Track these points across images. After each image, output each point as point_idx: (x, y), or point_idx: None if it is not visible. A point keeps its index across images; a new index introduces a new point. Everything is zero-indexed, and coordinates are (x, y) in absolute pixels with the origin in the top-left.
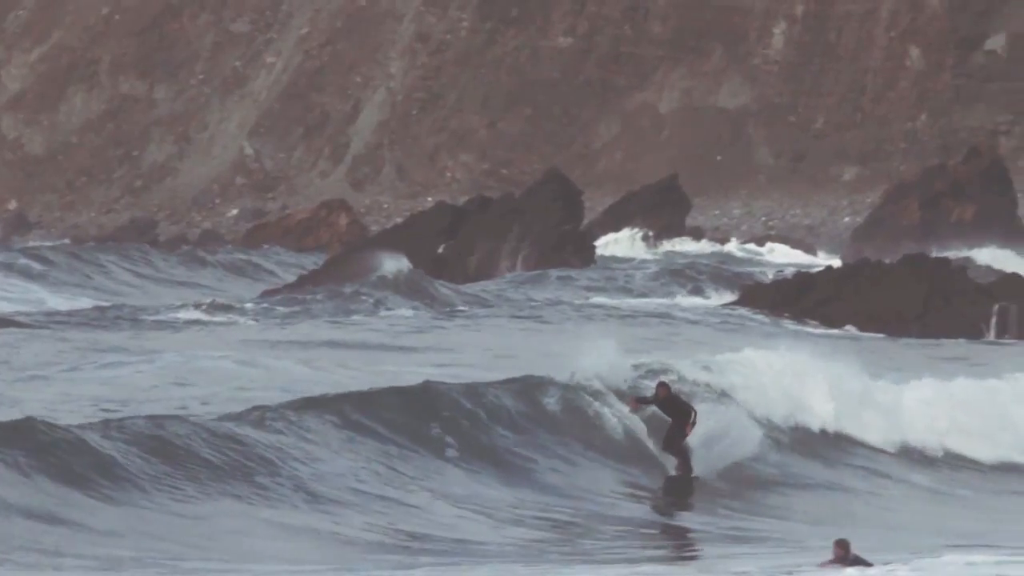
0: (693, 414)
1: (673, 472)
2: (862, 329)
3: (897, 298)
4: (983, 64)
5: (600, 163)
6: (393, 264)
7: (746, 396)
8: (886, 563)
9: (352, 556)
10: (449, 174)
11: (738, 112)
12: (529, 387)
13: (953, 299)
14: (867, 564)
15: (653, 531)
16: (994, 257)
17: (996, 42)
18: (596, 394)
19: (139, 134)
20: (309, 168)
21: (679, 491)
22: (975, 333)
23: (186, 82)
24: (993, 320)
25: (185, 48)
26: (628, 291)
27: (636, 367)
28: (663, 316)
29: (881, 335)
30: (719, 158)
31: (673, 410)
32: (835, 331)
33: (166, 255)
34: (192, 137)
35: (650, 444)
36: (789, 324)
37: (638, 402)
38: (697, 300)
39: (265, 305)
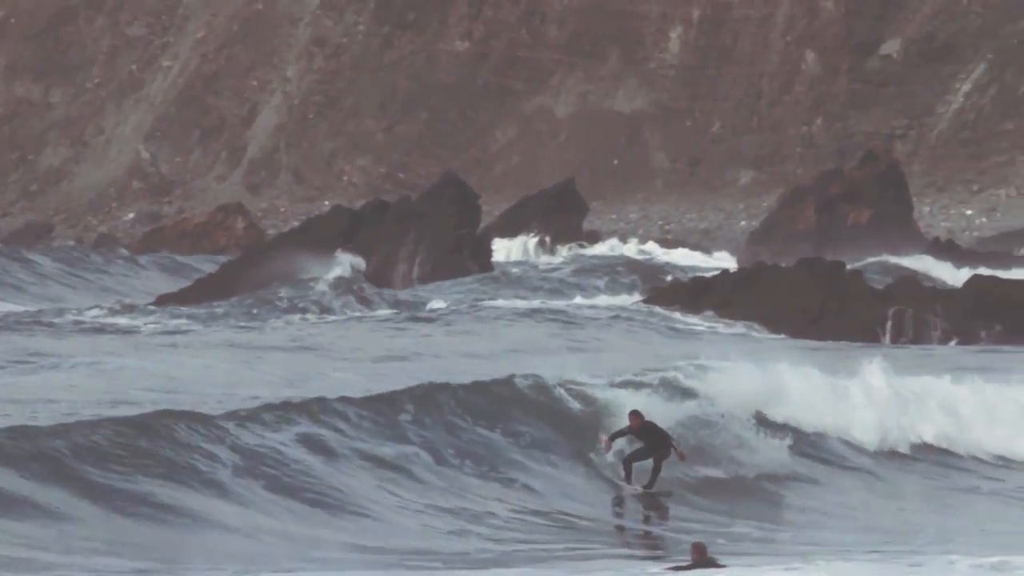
0: (672, 439)
1: (637, 487)
2: (770, 331)
3: (795, 300)
4: (879, 69)
5: (497, 167)
6: (343, 266)
7: None
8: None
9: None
10: (346, 178)
11: (634, 116)
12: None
13: (849, 303)
14: (720, 566)
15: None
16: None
17: (891, 47)
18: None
19: (35, 138)
20: (205, 172)
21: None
22: (871, 337)
23: (82, 85)
24: (888, 324)
25: (81, 51)
26: (541, 292)
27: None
28: (567, 316)
29: (783, 336)
30: (616, 162)
31: (651, 436)
32: (741, 330)
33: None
34: (88, 141)
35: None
36: (696, 322)
37: (611, 440)
38: (607, 298)
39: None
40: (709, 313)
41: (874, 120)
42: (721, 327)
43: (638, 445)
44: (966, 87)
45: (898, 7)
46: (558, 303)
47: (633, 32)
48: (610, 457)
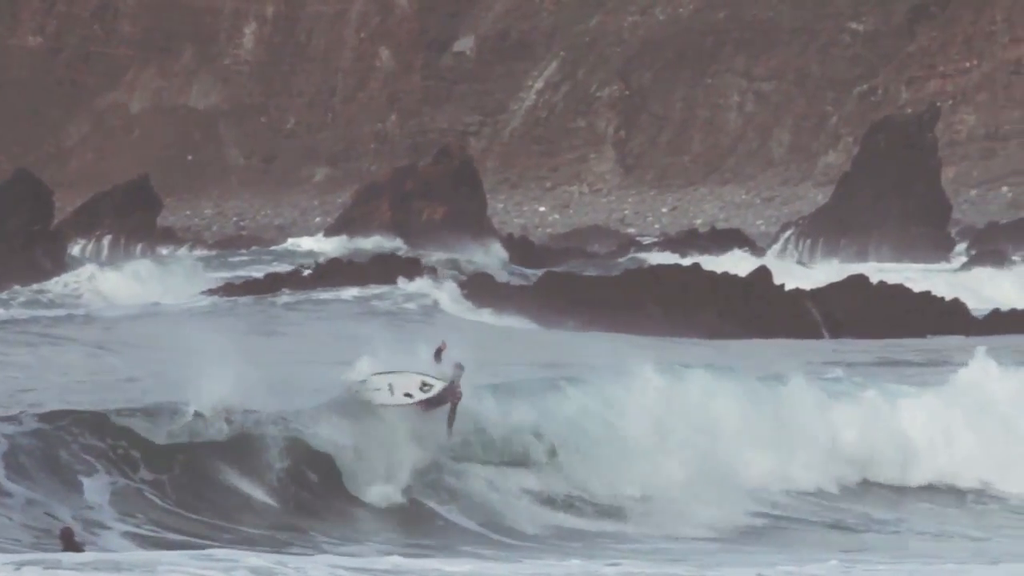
0: None
1: None
2: None
3: None
4: (452, 66)
5: (71, 163)
6: None
7: None
8: None
9: None
10: None
11: (209, 112)
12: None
13: None
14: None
15: None
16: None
17: (465, 44)
18: None
19: None
20: None
21: None
22: None
23: None
24: None
25: None
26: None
27: None
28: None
29: None
30: (190, 158)
31: None
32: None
33: None
34: None
35: None
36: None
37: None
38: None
39: None
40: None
41: (448, 117)
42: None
43: None
44: (539, 85)
45: (471, 4)
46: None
47: (207, 28)
48: None
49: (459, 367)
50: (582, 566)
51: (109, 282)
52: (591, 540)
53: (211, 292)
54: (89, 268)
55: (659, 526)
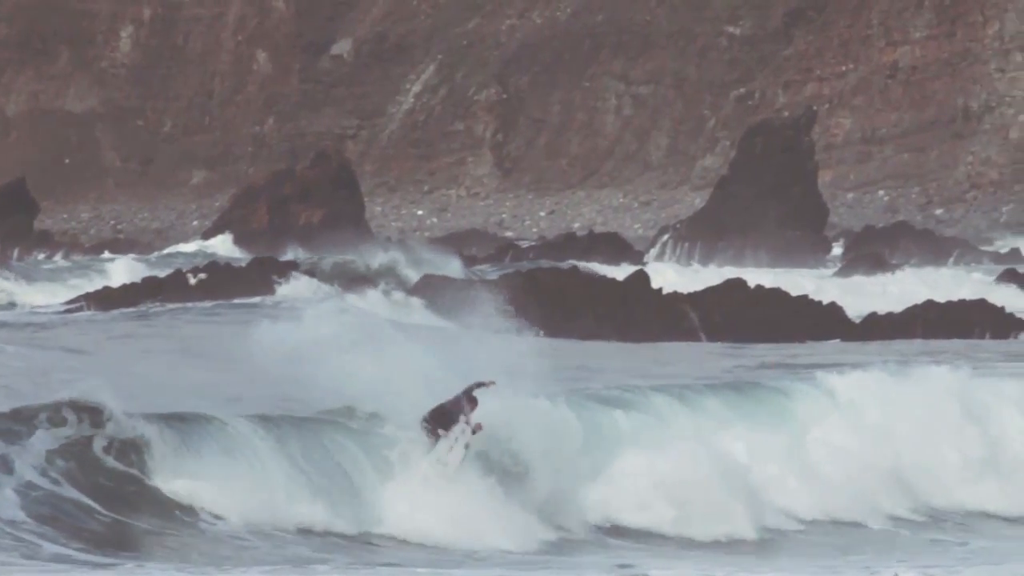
0: None
1: None
2: None
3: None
4: (330, 69)
5: None
6: None
7: None
8: None
9: None
10: None
11: (86, 115)
12: None
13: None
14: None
15: None
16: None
17: (342, 47)
18: None
19: None
20: None
21: None
22: None
23: None
24: None
25: None
26: None
27: None
28: None
29: None
30: (67, 161)
31: None
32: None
33: None
34: None
35: None
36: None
37: None
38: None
39: None
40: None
41: (326, 120)
42: None
43: None
44: (416, 88)
45: (349, 7)
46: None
47: (84, 31)
48: None
49: None
50: None
51: None
52: None
53: (84, 297)
54: None
55: None
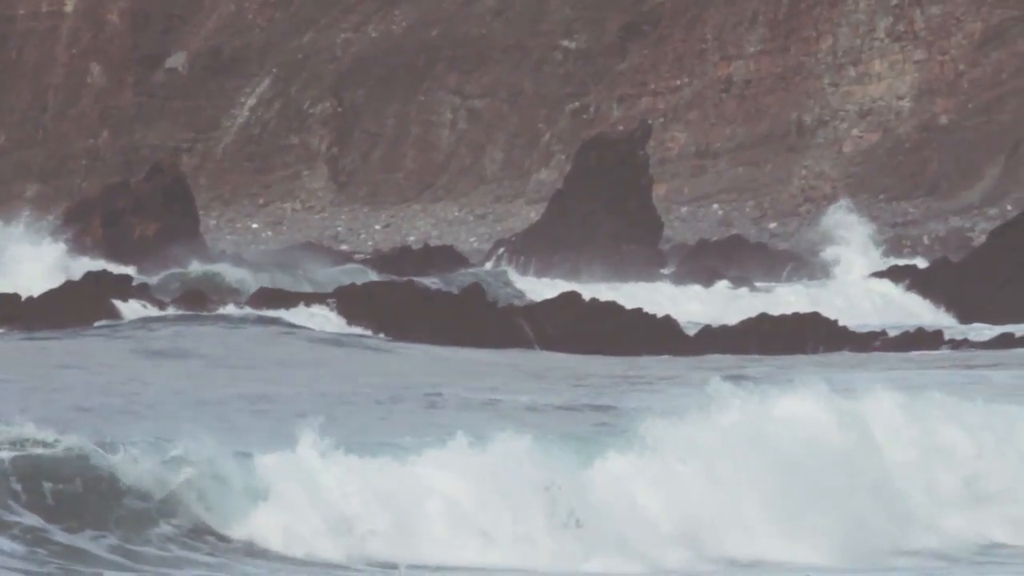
0: None
1: None
2: None
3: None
4: (165, 82)
5: None
6: None
7: None
8: None
9: None
10: None
11: None
12: None
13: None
14: None
15: None
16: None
17: (177, 60)
18: None
19: None
20: None
21: None
22: None
23: None
24: None
25: None
26: None
27: None
28: None
29: None
30: None
31: None
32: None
33: None
34: None
35: None
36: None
37: None
38: None
39: None
40: None
41: (161, 133)
42: None
43: None
44: (251, 101)
45: (183, 21)
46: None
47: None
48: None
49: None
50: None
51: None
52: None
53: None
54: None
55: None
